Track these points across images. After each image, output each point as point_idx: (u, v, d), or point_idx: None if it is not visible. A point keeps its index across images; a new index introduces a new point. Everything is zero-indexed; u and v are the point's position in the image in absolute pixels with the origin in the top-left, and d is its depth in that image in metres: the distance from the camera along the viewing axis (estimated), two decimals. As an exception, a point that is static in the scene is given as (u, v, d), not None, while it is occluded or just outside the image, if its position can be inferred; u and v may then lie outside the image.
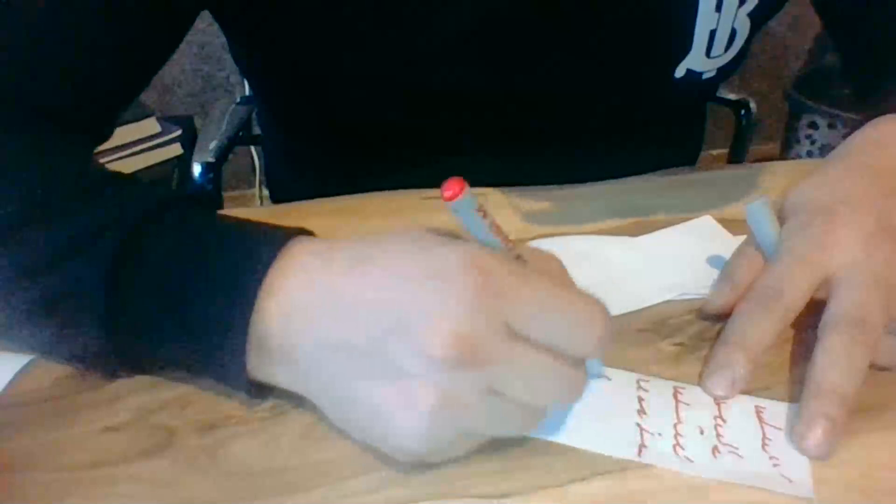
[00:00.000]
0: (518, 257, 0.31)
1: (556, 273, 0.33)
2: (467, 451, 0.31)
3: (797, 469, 0.31)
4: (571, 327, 0.29)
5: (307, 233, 0.35)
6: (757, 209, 0.40)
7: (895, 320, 0.35)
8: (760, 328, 0.36)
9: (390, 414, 0.28)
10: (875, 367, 0.35)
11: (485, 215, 0.29)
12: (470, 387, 0.28)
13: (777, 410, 0.34)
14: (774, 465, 0.31)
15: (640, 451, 0.32)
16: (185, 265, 0.33)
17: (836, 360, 0.33)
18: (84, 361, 0.36)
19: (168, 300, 0.32)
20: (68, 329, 0.34)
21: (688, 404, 0.34)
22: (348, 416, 0.31)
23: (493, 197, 0.53)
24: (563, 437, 0.33)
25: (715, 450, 0.32)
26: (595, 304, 0.30)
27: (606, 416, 0.34)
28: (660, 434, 0.33)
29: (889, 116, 0.46)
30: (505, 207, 0.52)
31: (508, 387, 0.28)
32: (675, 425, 0.33)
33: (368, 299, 0.29)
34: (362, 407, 0.29)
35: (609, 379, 0.36)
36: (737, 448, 0.32)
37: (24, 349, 0.37)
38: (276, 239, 0.32)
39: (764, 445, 0.32)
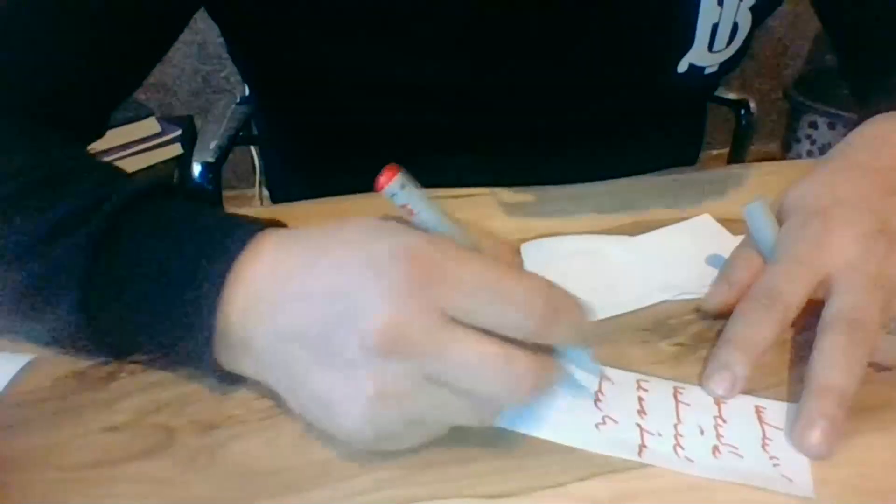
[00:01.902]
0: (466, 240, 0.30)
1: (508, 260, 0.32)
2: (425, 440, 0.31)
3: (797, 469, 0.31)
4: (509, 309, 0.28)
5: (279, 224, 0.35)
6: (755, 209, 0.40)
7: (894, 319, 0.35)
8: (760, 329, 0.36)
9: (337, 402, 0.29)
10: (875, 367, 0.35)
11: (421, 197, 0.29)
12: (407, 375, 0.28)
13: (777, 410, 0.34)
14: (775, 465, 0.31)
15: (640, 451, 0.32)
16: (158, 255, 0.33)
17: (834, 361, 0.33)
18: (62, 345, 0.36)
19: (141, 288, 0.33)
20: (47, 315, 0.34)
21: (688, 404, 0.34)
22: (303, 404, 0.31)
23: (492, 196, 0.53)
24: (563, 438, 0.33)
25: (715, 450, 0.32)
26: (540, 284, 0.29)
27: (606, 417, 0.34)
28: (660, 434, 0.33)
29: (886, 115, 0.46)
30: (504, 207, 0.52)
31: (447, 375, 0.28)
32: (675, 425, 0.33)
33: (314, 290, 0.30)
34: (313, 395, 0.30)
35: (610, 380, 0.36)
36: (737, 448, 0.32)
37: (6, 335, 0.37)
38: (246, 231, 0.33)
39: (764, 445, 0.32)
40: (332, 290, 0.29)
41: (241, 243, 0.32)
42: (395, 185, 0.28)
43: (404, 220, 0.31)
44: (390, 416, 0.29)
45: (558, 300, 0.29)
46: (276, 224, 0.35)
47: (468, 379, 0.28)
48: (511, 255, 0.33)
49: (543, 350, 0.29)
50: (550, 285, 0.29)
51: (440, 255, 0.29)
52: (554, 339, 0.30)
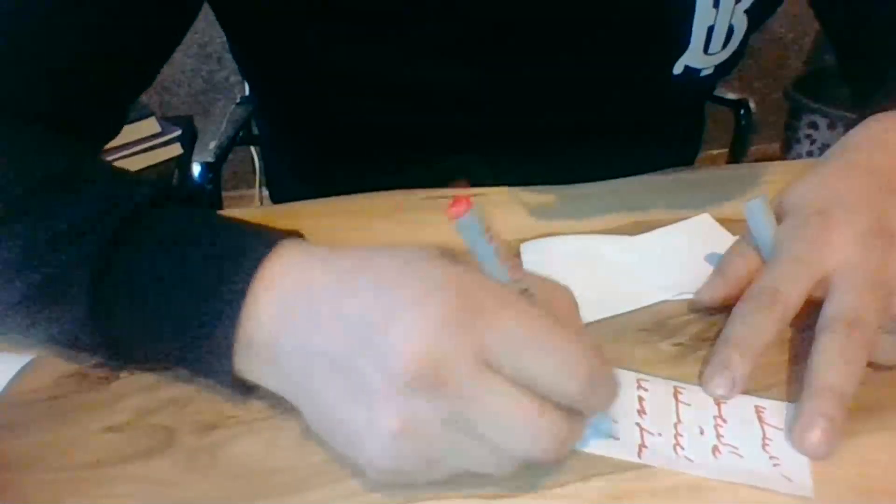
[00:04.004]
0: (525, 290, 0.29)
1: (561, 309, 0.31)
2: (445, 476, 0.29)
3: (797, 469, 0.31)
4: (552, 367, 0.27)
5: (298, 235, 0.34)
6: (755, 207, 0.40)
7: (893, 319, 0.35)
8: (760, 328, 0.36)
9: (357, 431, 0.28)
10: (874, 367, 0.35)
11: (491, 239, 0.28)
12: (432, 415, 0.27)
13: (777, 410, 0.34)
14: (775, 465, 0.31)
15: (640, 452, 0.32)
16: (175, 261, 0.32)
17: (832, 361, 0.33)
18: (69, 349, 0.36)
19: (156, 295, 0.32)
20: (55, 320, 0.34)
21: (688, 404, 0.34)
22: (323, 424, 0.30)
23: (493, 196, 0.53)
24: None
25: (715, 449, 0.32)
26: (588, 348, 0.28)
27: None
28: (660, 434, 0.33)
29: (883, 114, 0.46)
30: (504, 206, 0.52)
31: (471, 422, 0.27)
32: (675, 425, 0.33)
33: (347, 311, 0.29)
34: (334, 418, 0.29)
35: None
36: (737, 448, 0.32)
37: (12, 337, 0.37)
38: (268, 239, 0.32)
39: (764, 445, 0.32)
40: (363, 312, 0.28)
41: (266, 251, 0.31)
42: (468, 218, 0.26)
43: (454, 254, 0.30)
44: (411, 454, 0.28)
45: (602, 369, 0.28)
46: (296, 234, 0.34)
47: (494, 430, 0.27)
48: (567, 304, 0.31)
49: (571, 411, 0.28)
50: (598, 351, 0.28)
51: (489, 296, 0.27)
52: (589, 407, 0.28)
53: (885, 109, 0.46)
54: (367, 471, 0.29)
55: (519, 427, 0.27)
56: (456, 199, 0.26)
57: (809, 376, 0.33)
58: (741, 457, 0.32)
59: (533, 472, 0.31)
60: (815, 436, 0.31)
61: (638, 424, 0.33)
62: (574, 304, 0.32)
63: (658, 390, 0.35)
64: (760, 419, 0.33)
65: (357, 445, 0.28)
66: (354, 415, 0.28)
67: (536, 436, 0.27)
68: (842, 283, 0.36)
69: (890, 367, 0.36)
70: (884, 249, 0.37)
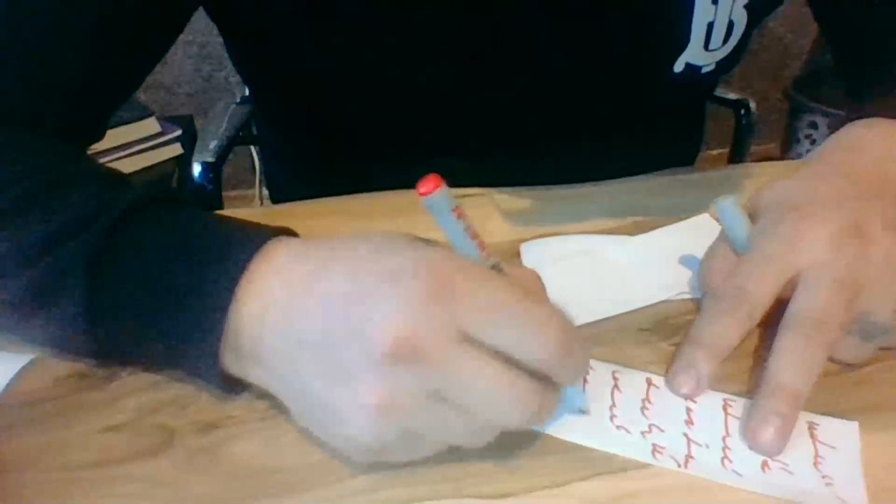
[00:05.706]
0: (495, 266, 0.30)
1: (530, 284, 0.32)
2: (422, 456, 0.30)
3: (851, 488, 0.30)
4: (526, 334, 0.28)
5: (289, 232, 0.35)
6: (726, 207, 0.39)
7: (862, 318, 0.35)
8: (723, 327, 0.36)
9: (339, 411, 0.29)
10: (836, 363, 0.36)
11: (459, 216, 0.29)
12: (413, 388, 0.27)
13: (829, 427, 0.33)
14: (827, 485, 0.30)
15: (685, 463, 0.31)
16: (164, 262, 0.33)
17: (789, 360, 0.33)
18: (61, 349, 0.36)
19: (146, 297, 0.33)
20: (47, 320, 0.34)
21: (737, 417, 0.34)
22: (308, 413, 0.31)
23: (491, 197, 0.53)
24: (607, 444, 0.32)
25: (765, 465, 0.31)
26: (559, 317, 0.29)
27: (653, 425, 0.33)
28: (707, 446, 0.32)
29: (862, 122, 0.46)
30: (505, 207, 0.52)
31: (452, 392, 0.28)
32: (723, 438, 0.33)
33: (326, 298, 0.30)
34: (317, 403, 0.30)
35: (658, 388, 0.35)
36: (787, 465, 0.31)
37: (10, 336, 0.37)
38: (255, 239, 0.33)
39: (816, 463, 0.31)
40: (342, 298, 0.29)
41: (252, 251, 0.32)
42: (436, 197, 0.28)
43: (425, 239, 0.31)
44: (390, 427, 0.28)
45: (572, 338, 0.29)
46: (286, 232, 0.35)
47: (472, 398, 0.28)
48: (535, 282, 0.33)
49: (544, 378, 0.29)
50: (566, 317, 0.29)
51: (461, 272, 0.28)
52: (561, 373, 0.29)
53: (869, 115, 0.46)
54: (350, 452, 0.30)
55: (495, 395, 0.28)
56: (425, 179, 0.28)
57: (766, 374, 0.34)
58: (791, 473, 0.31)
59: (533, 472, 0.31)
60: (769, 434, 0.32)
61: (685, 435, 0.33)
62: (540, 282, 0.33)
63: (708, 401, 0.34)
64: (813, 436, 0.33)
65: (339, 425, 0.29)
66: (336, 394, 0.29)
67: (511, 403, 0.28)
68: (808, 282, 0.36)
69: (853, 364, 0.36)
70: (856, 249, 0.36)
